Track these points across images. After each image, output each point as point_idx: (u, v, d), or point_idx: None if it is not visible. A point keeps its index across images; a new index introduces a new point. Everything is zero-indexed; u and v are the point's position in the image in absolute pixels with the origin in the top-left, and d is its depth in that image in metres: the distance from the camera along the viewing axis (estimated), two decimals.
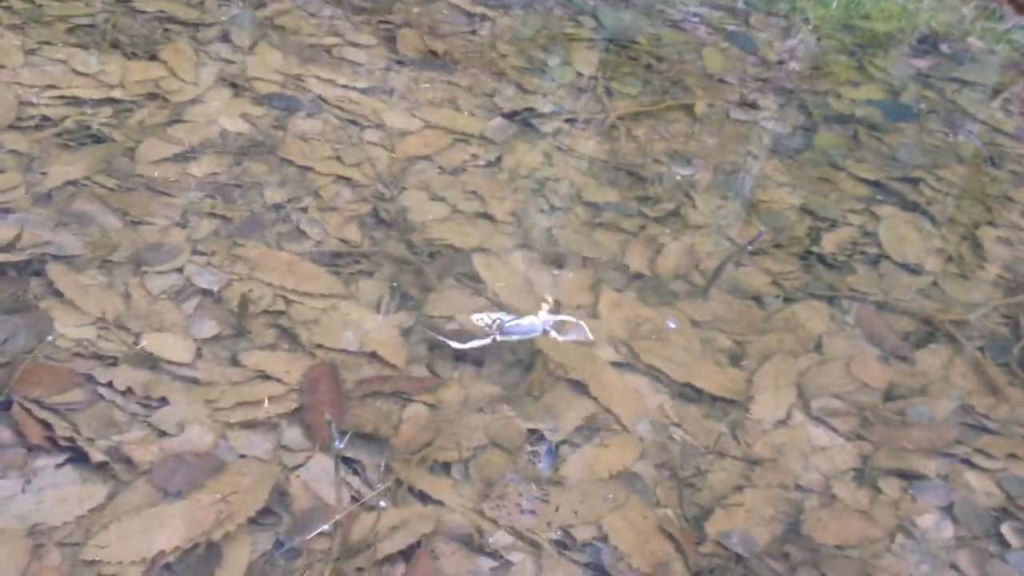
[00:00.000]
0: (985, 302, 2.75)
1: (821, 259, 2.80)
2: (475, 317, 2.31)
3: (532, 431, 2.15)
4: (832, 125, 3.42)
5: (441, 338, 2.27)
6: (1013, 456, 2.30)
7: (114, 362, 2.06)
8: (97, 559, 1.70)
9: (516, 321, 2.31)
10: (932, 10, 4.43)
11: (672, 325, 2.46)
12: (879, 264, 2.82)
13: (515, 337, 2.30)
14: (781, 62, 3.78)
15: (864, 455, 2.24)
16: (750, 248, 2.71)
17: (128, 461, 1.87)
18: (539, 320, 2.34)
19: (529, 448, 2.12)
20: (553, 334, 2.33)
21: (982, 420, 2.39)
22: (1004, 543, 2.11)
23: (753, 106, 3.45)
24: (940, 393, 2.44)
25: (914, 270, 2.82)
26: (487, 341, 2.26)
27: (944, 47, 4.10)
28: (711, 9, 4.02)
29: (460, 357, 2.27)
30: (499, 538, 1.91)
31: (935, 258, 2.88)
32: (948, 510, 2.16)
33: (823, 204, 3.02)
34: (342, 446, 1.86)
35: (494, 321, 2.30)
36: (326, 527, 1.82)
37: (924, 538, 2.09)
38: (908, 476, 2.21)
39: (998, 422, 2.39)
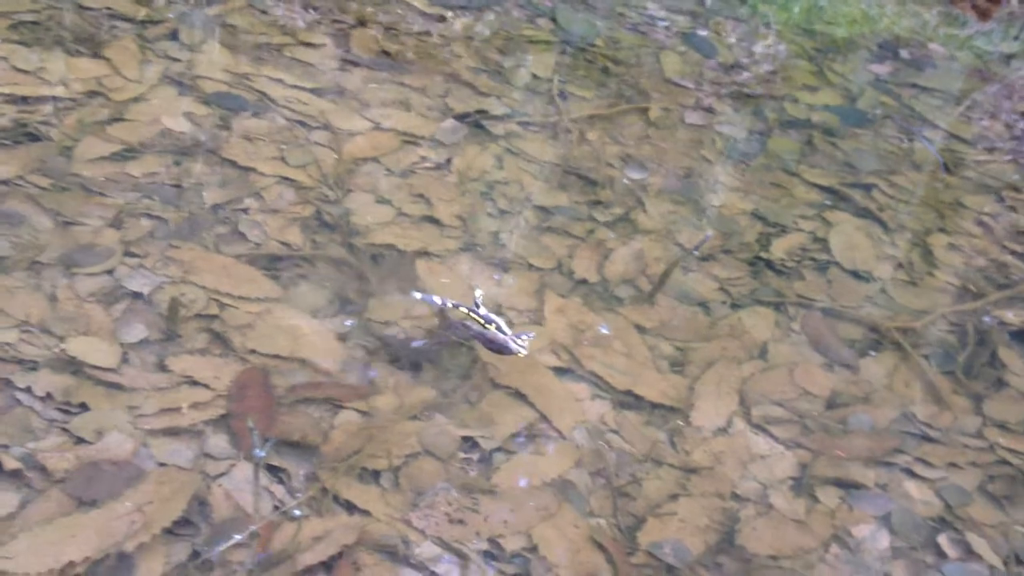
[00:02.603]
0: (933, 309, 2.73)
1: (770, 265, 2.78)
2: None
3: (466, 439, 2.12)
4: (787, 130, 3.40)
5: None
6: (953, 465, 2.28)
7: (35, 366, 2.01)
8: (3, 570, 1.66)
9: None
10: (895, 15, 4.42)
11: (605, 331, 2.43)
12: (828, 270, 2.80)
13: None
14: (739, 66, 3.76)
15: (803, 464, 2.22)
16: (696, 252, 2.68)
17: (42, 469, 1.83)
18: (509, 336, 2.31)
19: (462, 456, 2.08)
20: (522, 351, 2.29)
21: (924, 429, 2.37)
22: (941, 554, 2.09)
23: (709, 110, 3.43)
24: (883, 401, 2.42)
25: (863, 277, 2.80)
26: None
27: (904, 53, 4.09)
28: (671, 12, 3.99)
29: (395, 362, 2.24)
30: (425, 548, 1.88)
31: (885, 265, 2.86)
32: (885, 520, 2.14)
33: (774, 210, 2.99)
34: (263, 454, 1.82)
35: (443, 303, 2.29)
36: (239, 537, 1.78)
37: (859, 548, 2.06)
38: (846, 485, 2.19)
39: (940, 431, 2.37)
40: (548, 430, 2.18)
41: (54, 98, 2.76)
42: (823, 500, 2.15)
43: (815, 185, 3.14)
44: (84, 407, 1.96)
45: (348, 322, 2.31)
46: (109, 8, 3.18)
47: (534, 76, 3.43)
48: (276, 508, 1.86)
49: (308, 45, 3.28)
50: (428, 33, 3.51)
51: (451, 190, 2.80)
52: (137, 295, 2.24)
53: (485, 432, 2.13)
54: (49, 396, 1.96)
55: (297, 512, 1.85)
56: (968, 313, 2.73)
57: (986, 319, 2.71)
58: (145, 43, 3.07)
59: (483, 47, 3.51)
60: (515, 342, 2.25)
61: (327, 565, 1.80)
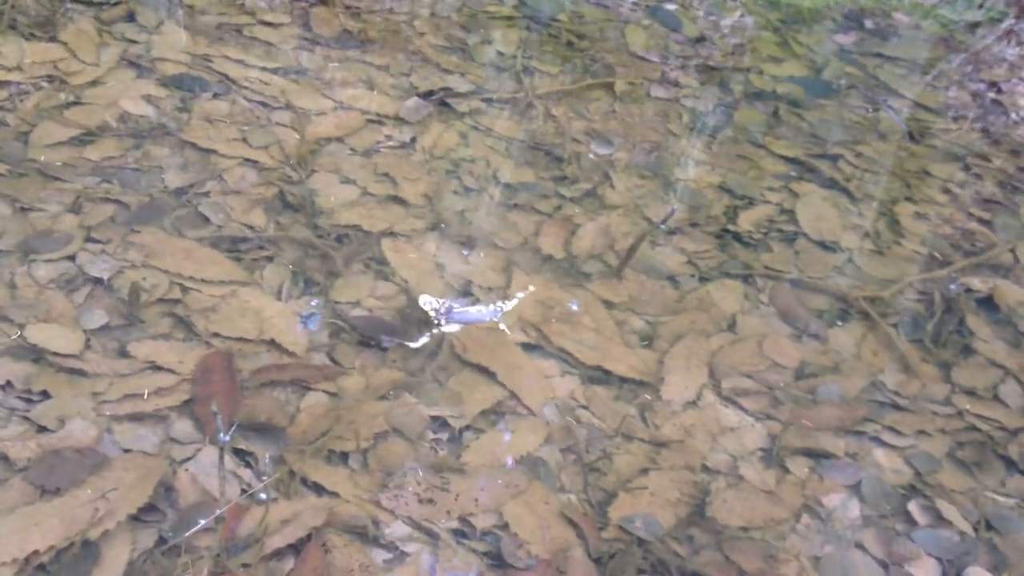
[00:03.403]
0: (900, 278, 2.73)
1: (737, 237, 2.77)
2: (423, 300, 2.27)
3: (435, 418, 2.10)
4: (753, 102, 3.39)
5: (396, 340, 2.22)
6: (922, 433, 2.29)
7: None
8: None
9: (464, 308, 2.27)
10: None
11: (575, 307, 2.42)
12: (795, 241, 2.80)
13: (458, 326, 2.26)
14: (705, 40, 3.74)
15: (773, 435, 2.22)
16: (662, 226, 2.68)
17: (4, 458, 1.80)
18: (488, 309, 2.30)
19: (431, 436, 2.07)
20: (502, 326, 2.29)
21: (893, 397, 2.37)
22: (911, 521, 2.10)
23: (675, 84, 3.41)
24: (852, 371, 2.42)
25: (830, 247, 2.80)
26: (428, 337, 2.23)
27: (869, 23, 4.09)
28: None
29: (364, 344, 2.22)
30: (395, 529, 1.87)
31: (852, 235, 2.86)
32: (856, 489, 2.14)
33: (741, 182, 2.99)
34: (227, 438, 1.80)
35: (442, 305, 2.26)
36: (206, 522, 1.76)
37: (830, 518, 2.07)
38: (816, 455, 2.19)
39: (909, 399, 2.38)
40: (517, 407, 2.16)
41: (9, 83, 2.71)
42: (793, 471, 2.15)
43: (781, 157, 3.14)
44: (45, 395, 1.93)
45: (313, 302, 2.28)
46: None
47: (498, 53, 3.40)
48: (243, 492, 1.84)
49: (269, 25, 3.24)
50: (391, 11, 3.48)
51: (416, 169, 2.78)
52: (98, 281, 2.21)
53: (454, 411, 2.12)
54: (9, 384, 1.93)
55: (264, 495, 1.84)
56: (935, 281, 2.74)
57: (953, 287, 2.72)
58: (102, 25, 3.02)
59: (446, 24, 3.48)
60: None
61: (296, 548, 1.78)
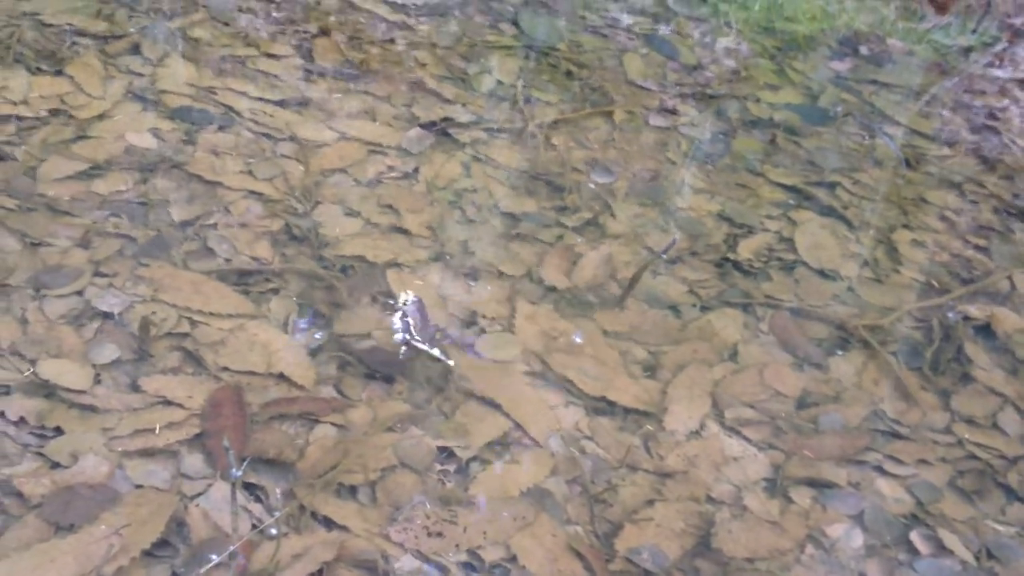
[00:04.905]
0: (899, 306, 2.76)
1: (737, 266, 2.80)
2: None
3: (442, 449, 2.13)
4: (751, 130, 3.43)
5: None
6: (923, 462, 2.32)
7: (7, 391, 2.01)
8: None
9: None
10: (853, 11, 4.46)
11: (579, 340, 2.45)
12: (795, 270, 2.83)
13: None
14: (701, 67, 3.78)
15: (776, 465, 2.25)
16: (664, 256, 2.70)
17: (19, 495, 1.83)
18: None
19: (439, 467, 2.09)
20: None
21: (894, 426, 2.40)
22: (913, 551, 2.12)
23: (672, 112, 3.45)
24: (853, 400, 2.45)
25: (829, 275, 2.84)
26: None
27: (864, 49, 4.13)
28: (632, 15, 4.01)
29: (370, 376, 2.25)
30: (405, 563, 1.89)
31: (851, 263, 2.90)
32: (858, 518, 2.17)
33: (740, 210, 3.02)
34: (239, 473, 1.82)
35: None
36: (218, 558, 1.78)
37: (834, 548, 2.09)
38: (819, 485, 2.22)
39: (909, 427, 2.41)
40: (523, 438, 2.19)
41: (17, 117, 2.74)
42: (797, 500, 2.17)
43: (780, 184, 3.17)
44: (59, 431, 1.95)
45: (318, 335, 2.31)
46: (70, 24, 3.15)
47: (498, 82, 3.44)
48: (254, 527, 1.86)
49: (272, 56, 3.27)
50: (392, 41, 3.52)
51: (419, 199, 2.81)
52: (108, 315, 2.23)
53: (460, 442, 2.14)
54: (23, 420, 1.95)
55: (275, 530, 1.86)
56: (933, 309, 2.77)
57: (951, 315, 2.75)
58: (107, 59, 3.05)
59: (447, 54, 3.51)
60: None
61: None
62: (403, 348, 2.28)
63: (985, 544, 2.15)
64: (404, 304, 2.31)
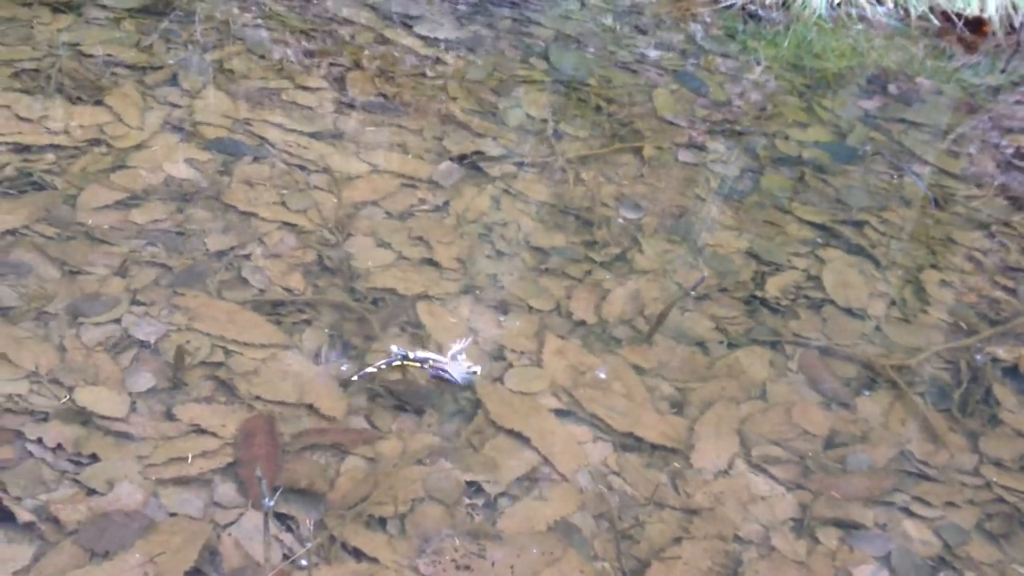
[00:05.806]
0: (927, 347, 2.76)
1: (765, 304, 2.81)
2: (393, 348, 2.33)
3: (471, 483, 2.14)
4: (779, 167, 3.45)
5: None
6: (951, 504, 2.31)
7: (45, 417, 2.04)
8: None
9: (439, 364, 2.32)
10: (882, 49, 4.49)
11: (602, 375, 2.46)
12: (823, 308, 2.84)
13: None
14: (730, 104, 3.81)
15: (803, 504, 2.25)
16: (692, 293, 2.72)
17: (55, 521, 1.85)
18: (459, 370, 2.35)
19: (467, 501, 2.11)
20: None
21: (921, 467, 2.40)
22: None
23: (701, 148, 3.48)
24: (880, 440, 2.45)
25: (857, 315, 2.84)
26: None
27: (893, 87, 4.15)
28: (662, 51, 4.05)
29: (400, 408, 2.27)
30: None
31: (878, 302, 2.90)
32: (885, 560, 2.17)
33: (768, 248, 3.03)
34: (272, 503, 1.84)
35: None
36: None
37: None
38: (846, 525, 2.22)
39: (937, 469, 2.40)
40: (551, 474, 2.20)
41: (57, 147, 2.79)
42: (824, 541, 2.17)
43: (808, 222, 3.19)
44: (94, 457, 1.98)
45: (344, 367, 2.34)
46: (109, 55, 3.21)
47: (528, 116, 3.47)
48: (286, 557, 1.88)
49: (306, 88, 3.32)
50: (423, 74, 3.56)
51: (449, 232, 2.84)
52: (144, 344, 2.27)
53: (489, 476, 2.16)
54: (60, 447, 1.98)
55: (305, 561, 1.87)
56: (961, 350, 2.77)
57: (979, 356, 2.75)
58: (146, 89, 3.11)
59: (478, 88, 3.55)
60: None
61: None
62: (432, 378, 2.31)
63: None
64: (455, 354, 2.34)
